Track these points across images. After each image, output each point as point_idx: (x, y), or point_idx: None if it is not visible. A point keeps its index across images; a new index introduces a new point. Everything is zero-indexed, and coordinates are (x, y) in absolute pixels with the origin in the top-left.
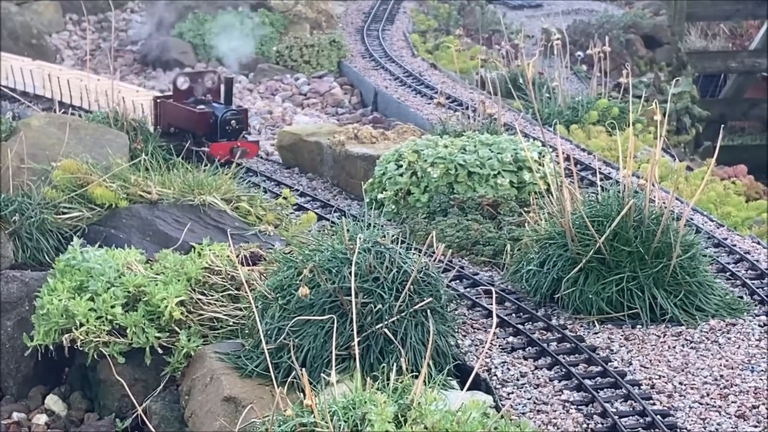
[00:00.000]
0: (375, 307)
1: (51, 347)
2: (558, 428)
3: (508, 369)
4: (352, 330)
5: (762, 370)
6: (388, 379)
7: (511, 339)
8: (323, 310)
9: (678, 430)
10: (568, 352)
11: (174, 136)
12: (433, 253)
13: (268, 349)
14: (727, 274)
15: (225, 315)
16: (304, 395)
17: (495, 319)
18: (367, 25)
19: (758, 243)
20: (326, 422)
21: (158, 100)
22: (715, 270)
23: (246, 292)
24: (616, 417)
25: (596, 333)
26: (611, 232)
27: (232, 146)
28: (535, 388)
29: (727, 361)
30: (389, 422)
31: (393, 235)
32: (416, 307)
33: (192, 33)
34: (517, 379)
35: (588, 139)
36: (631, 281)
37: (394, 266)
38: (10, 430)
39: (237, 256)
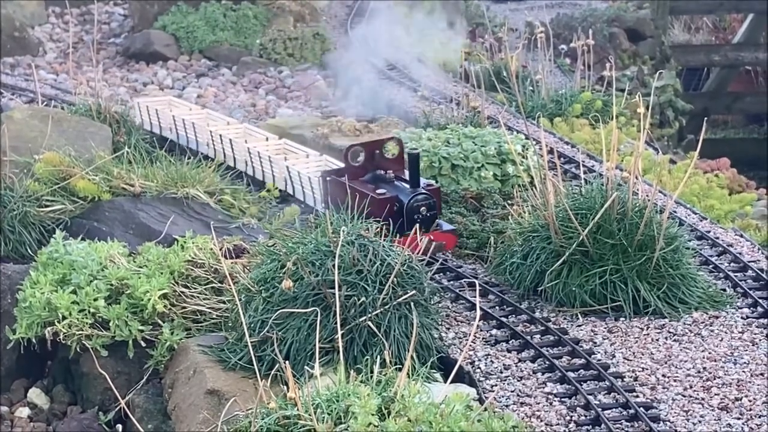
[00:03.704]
0: (358, 299)
1: (33, 340)
2: (541, 420)
3: (492, 362)
4: (336, 323)
5: (745, 363)
6: (372, 372)
7: (494, 332)
8: (307, 302)
9: (661, 422)
10: (551, 344)
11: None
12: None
13: (251, 342)
14: (710, 266)
15: (208, 308)
16: (288, 388)
17: (478, 312)
18: (350, 18)
19: (741, 236)
20: (309, 415)
21: (327, 178)
22: (698, 262)
23: (229, 285)
24: (599, 409)
25: (579, 325)
26: (594, 225)
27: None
28: (518, 381)
29: (710, 353)
30: (373, 415)
31: (376, 228)
32: (400, 299)
33: (175, 25)
34: (501, 372)
35: (571, 132)
36: (614, 274)
37: (377, 259)
38: None
39: (220, 249)
